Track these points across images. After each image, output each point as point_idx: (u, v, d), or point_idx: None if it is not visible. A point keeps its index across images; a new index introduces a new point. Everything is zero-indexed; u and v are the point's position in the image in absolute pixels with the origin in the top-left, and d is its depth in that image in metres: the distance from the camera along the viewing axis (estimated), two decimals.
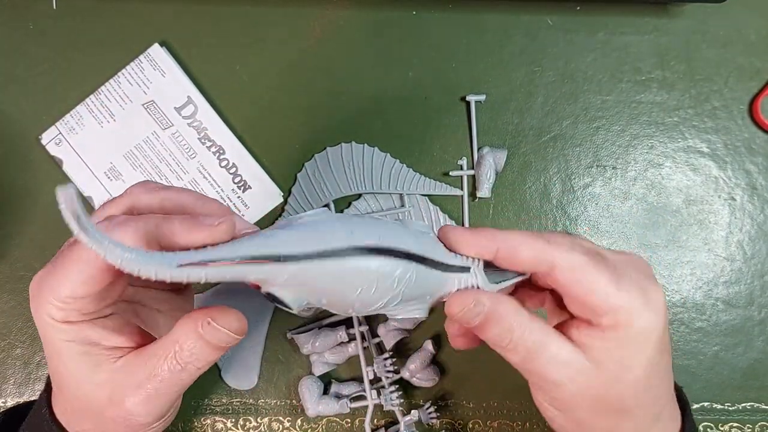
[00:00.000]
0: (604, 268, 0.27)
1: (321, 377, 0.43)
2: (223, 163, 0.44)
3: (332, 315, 0.44)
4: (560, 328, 0.29)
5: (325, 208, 0.28)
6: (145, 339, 0.30)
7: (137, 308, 0.32)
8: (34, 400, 0.38)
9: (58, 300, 0.26)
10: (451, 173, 0.44)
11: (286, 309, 0.27)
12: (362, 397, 0.42)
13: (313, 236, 0.26)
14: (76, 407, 0.30)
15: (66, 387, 0.29)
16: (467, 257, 0.29)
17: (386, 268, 0.27)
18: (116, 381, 0.28)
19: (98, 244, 0.22)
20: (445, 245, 0.29)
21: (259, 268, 0.25)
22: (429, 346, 0.43)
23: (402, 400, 0.42)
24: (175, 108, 0.44)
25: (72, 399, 0.29)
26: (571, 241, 0.28)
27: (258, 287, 0.27)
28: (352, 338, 0.43)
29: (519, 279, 0.30)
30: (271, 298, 0.26)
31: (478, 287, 0.29)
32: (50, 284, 0.27)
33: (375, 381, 0.42)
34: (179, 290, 0.35)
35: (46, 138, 0.44)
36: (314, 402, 0.42)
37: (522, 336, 0.27)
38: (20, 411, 0.35)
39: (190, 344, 0.28)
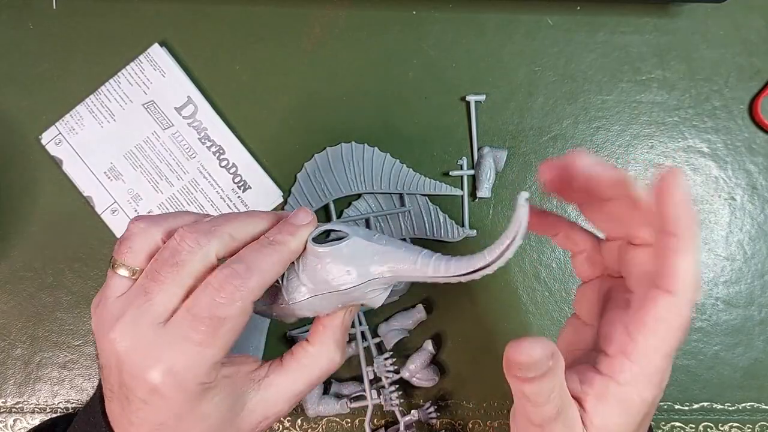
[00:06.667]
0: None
1: None
2: (223, 163, 0.44)
3: None
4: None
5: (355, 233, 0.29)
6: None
7: None
8: (62, 416, 0.38)
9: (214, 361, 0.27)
10: (451, 173, 0.44)
11: None
12: (362, 397, 0.42)
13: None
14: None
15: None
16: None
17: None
18: (266, 402, 0.29)
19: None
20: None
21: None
22: (429, 346, 0.43)
23: (402, 400, 0.42)
24: (175, 108, 0.44)
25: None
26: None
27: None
28: (352, 338, 0.43)
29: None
30: None
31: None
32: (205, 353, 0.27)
33: (375, 381, 0.42)
34: None
35: (46, 138, 0.44)
36: (314, 402, 0.42)
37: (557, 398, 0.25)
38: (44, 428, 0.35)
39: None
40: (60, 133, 0.44)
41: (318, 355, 0.31)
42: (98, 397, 0.30)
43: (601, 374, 0.26)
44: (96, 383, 0.44)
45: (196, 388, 0.26)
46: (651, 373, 0.25)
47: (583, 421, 0.26)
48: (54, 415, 0.43)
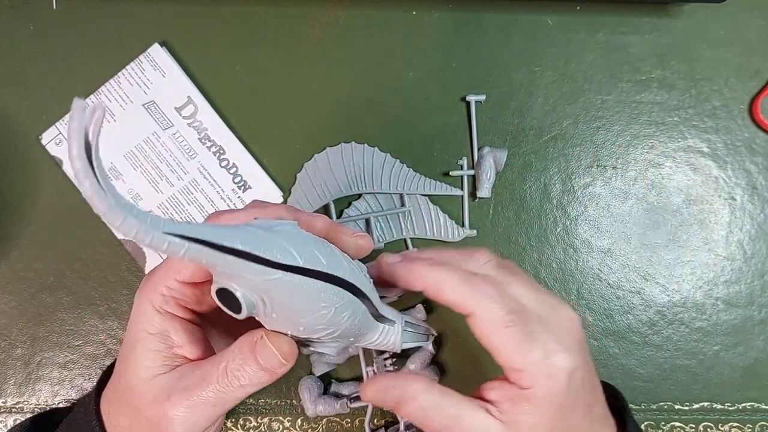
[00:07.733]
0: (516, 329, 0.28)
1: (321, 377, 0.43)
2: (223, 163, 0.44)
3: None
4: (480, 390, 0.30)
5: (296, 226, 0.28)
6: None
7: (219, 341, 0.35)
8: (60, 408, 0.39)
9: (166, 284, 0.29)
10: (451, 173, 0.44)
11: (231, 312, 0.26)
12: None
13: (296, 250, 0.26)
14: (120, 399, 0.31)
15: (123, 376, 0.30)
16: (396, 312, 0.32)
17: (346, 299, 0.27)
18: (167, 383, 0.29)
19: (89, 177, 0.19)
20: (377, 277, 0.32)
21: (239, 263, 0.23)
22: (429, 346, 0.43)
23: None
24: (175, 108, 0.44)
25: (122, 390, 0.31)
26: (499, 292, 0.29)
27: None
28: None
29: (427, 343, 0.34)
30: (222, 294, 0.25)
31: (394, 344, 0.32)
32: (163, 269, 0.29)
33: None
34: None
35: (46, 138, 0.44)
36: (314, 402, 0.42)
37: (435, 413, 0.29)
38: (46, 418, 0.36)
39: (241, 357, 0.29)
40: (60, 133, 0.44)
41: None
42: (94, 393, 0.32)
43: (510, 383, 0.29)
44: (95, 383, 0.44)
45: None
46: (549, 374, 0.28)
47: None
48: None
